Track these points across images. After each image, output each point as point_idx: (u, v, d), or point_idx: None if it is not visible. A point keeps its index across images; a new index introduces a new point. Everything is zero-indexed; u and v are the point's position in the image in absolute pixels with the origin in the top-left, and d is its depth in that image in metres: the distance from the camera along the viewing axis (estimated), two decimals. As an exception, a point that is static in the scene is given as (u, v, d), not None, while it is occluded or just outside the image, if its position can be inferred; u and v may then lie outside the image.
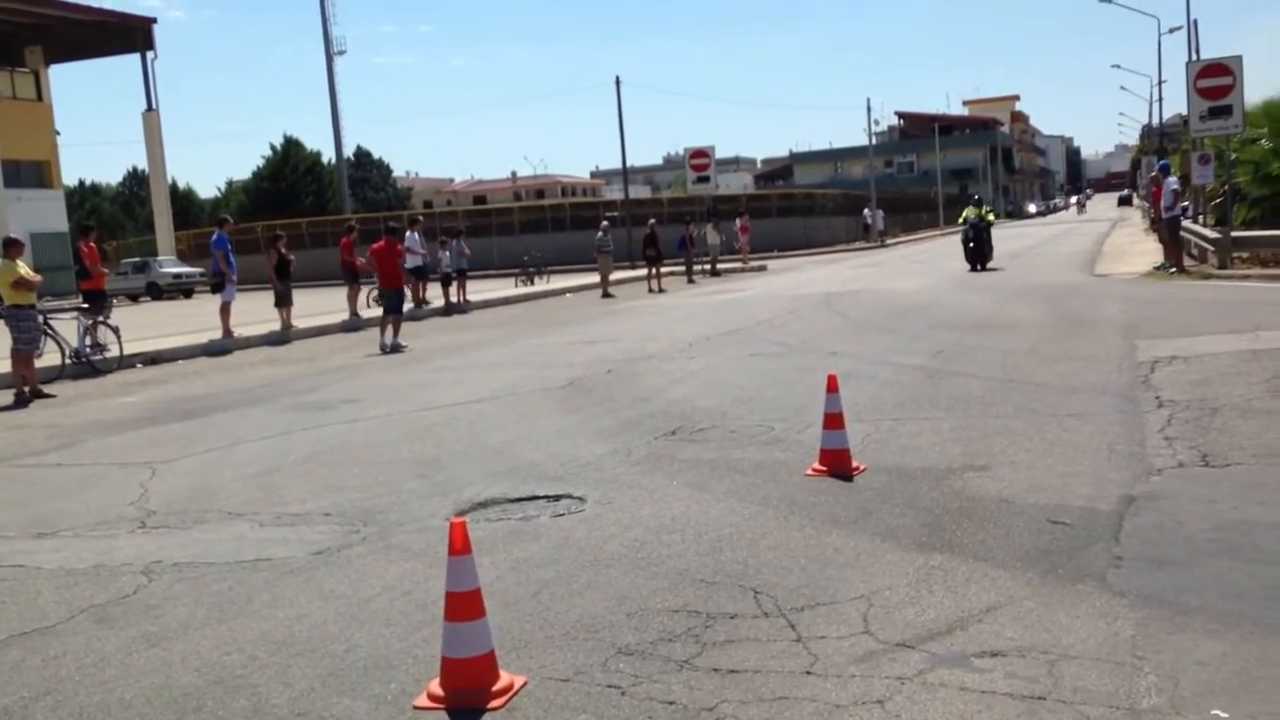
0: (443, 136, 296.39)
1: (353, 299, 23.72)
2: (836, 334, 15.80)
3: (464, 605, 4.13)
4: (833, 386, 7.49)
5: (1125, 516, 6.00)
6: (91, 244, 19.13)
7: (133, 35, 50.85)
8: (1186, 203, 27.56)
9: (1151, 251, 28.66)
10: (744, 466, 7.76)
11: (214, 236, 20.65)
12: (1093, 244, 39.40)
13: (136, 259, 48.36)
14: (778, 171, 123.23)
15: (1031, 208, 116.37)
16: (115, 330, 17.53)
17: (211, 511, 7.34)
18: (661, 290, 30.06)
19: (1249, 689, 3.86)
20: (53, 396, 14.36)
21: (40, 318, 15.33)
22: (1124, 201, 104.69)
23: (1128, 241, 38.50)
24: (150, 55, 51.31)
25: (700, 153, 41.95)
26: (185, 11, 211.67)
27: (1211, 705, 3.74)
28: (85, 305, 18.11)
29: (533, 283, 35.23)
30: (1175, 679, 3.96)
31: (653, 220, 34.12)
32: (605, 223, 33.17)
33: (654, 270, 30.96)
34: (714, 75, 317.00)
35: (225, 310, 20.03)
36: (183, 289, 45.22)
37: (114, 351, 17.28)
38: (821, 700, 3.97)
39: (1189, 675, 3.99)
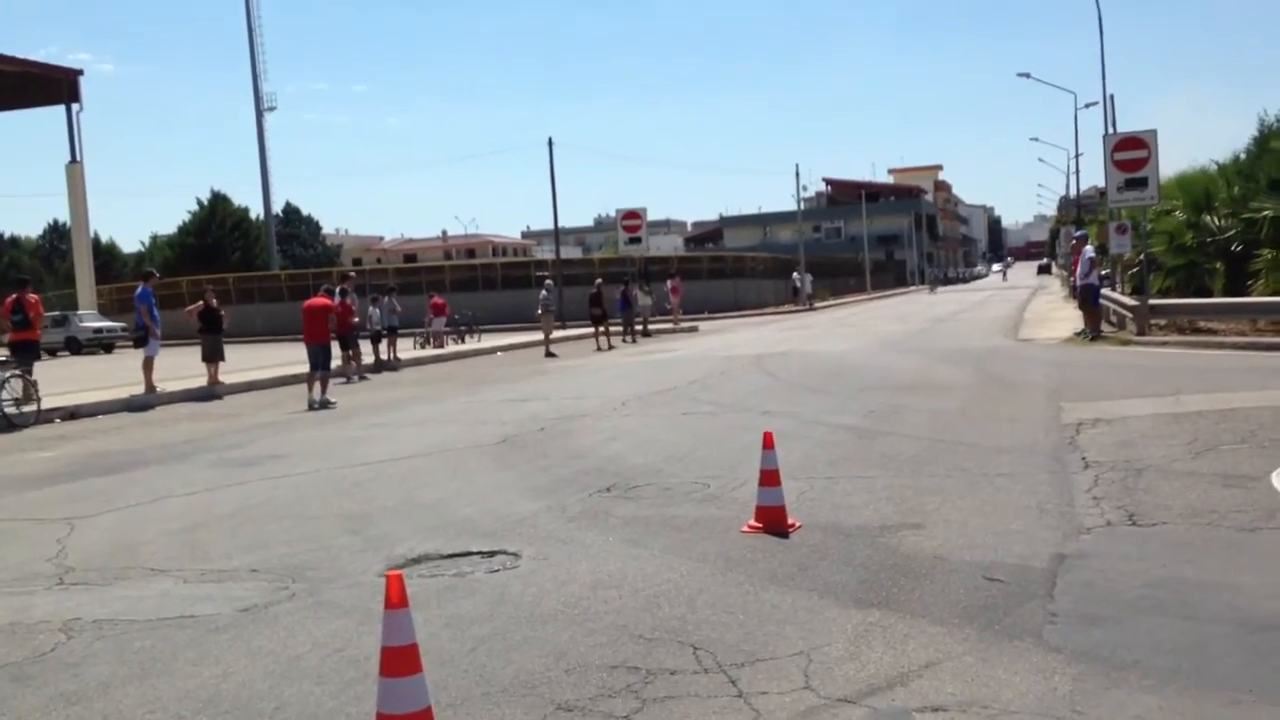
0: (373, 194, 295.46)
1: (356, 357, 23.52)
2: (768, 394, 15.89)
3: (401, 660, 4.03)
4: (768, 443, 7.51)
5: (1058, 574, 6.07)
6: (35, 296, 19.09)
7: (57, 87, 50.04)
8: (1105, 270, 28.38)
9: (1071, 318, 29.35)
10: (680, 523, 7.72)
11: (138, 290, 20.27)
12: (1015, 310, 40.30)
13: (56, 313, 47.25)
14: (708, 234, 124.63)
15: (995, 266, 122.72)
16: (33, 384, 17.08)
17: (133, 568, 7.12)
18: (611, 347, 30.52)
19: (1186, 742, 3.89)
20: (-35, 451, 13.89)
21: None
22: (1043, 270, 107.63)
23: (1048, 308, 39.44)
24: (75, 107, 50.48)
25: (632, 214, 42.33)
26: (115, 65, 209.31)
27: (1150, 758, 3.77)
28: (3, 359, 17.70)
29: (463, 340, 35.11)
30: (1114, 733, 3.98)
31: (599, 280, 34.31)
32: (549, 281, 33.36)
33: (601, 329, 31.33)
34: (646, 138, 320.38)
35: (148, 365, 19.61)
36: (104, 344, 44.16)
37: (31, 406, 16.80)
38: (764, 756, 3.93)
39: (1127, 729, 4.01)
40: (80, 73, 51.06)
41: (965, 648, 4.97)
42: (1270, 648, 4.80)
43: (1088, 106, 63.58)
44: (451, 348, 32.88)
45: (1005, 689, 4.45)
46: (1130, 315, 23.60)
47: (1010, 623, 5.29)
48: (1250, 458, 8.99)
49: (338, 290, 23.32)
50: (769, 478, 7.46)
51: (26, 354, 18.30)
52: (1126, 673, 4.56)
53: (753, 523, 7.44)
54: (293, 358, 24.09)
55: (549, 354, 28.28)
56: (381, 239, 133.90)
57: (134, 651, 5.36)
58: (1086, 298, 23.93)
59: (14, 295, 18.60)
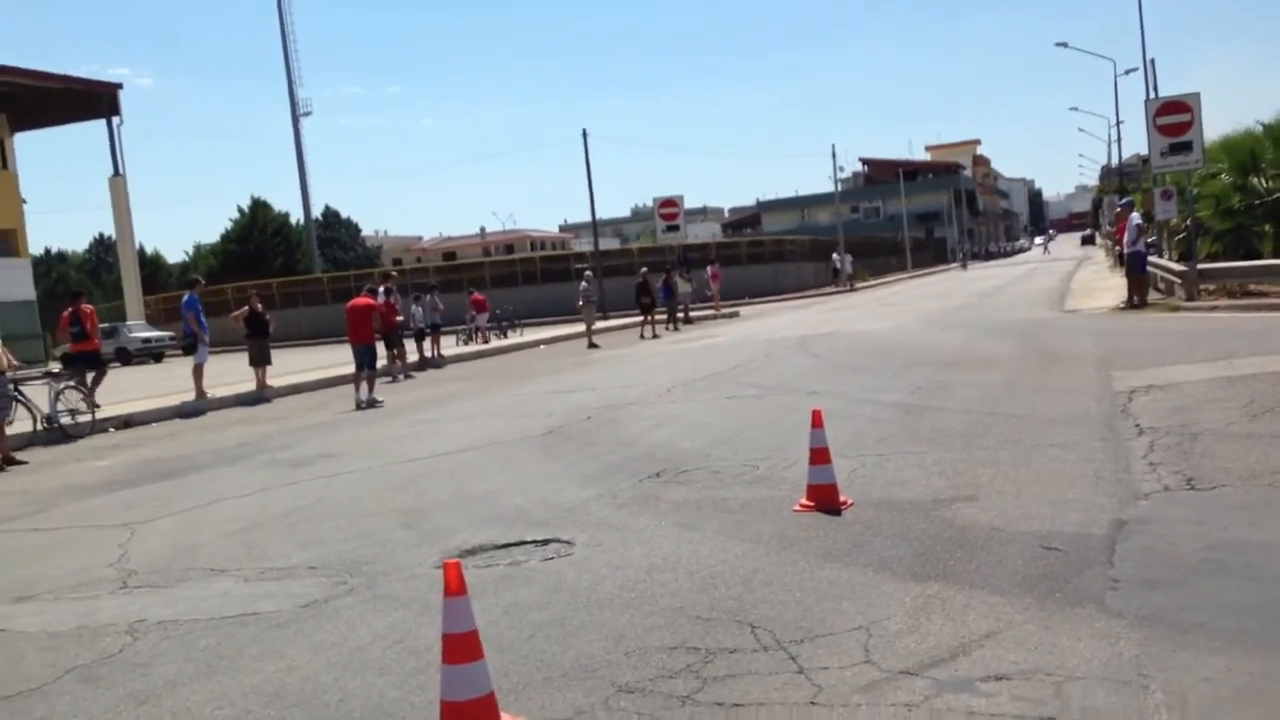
0: (411, 195, 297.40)
1: (401, 356, 23.73)
2: (813, 375, 15.83)
3: (462, 647, 4.06)
4: (817, 422, 7.48)
5: (1117, 540, 6.00)
6: (90, 307, 19.75)
7: (98, 101, 50.79)
8: (1152, 238, 27.96)
9: (1117, 287, 28.94)
10: (731, 505, 7.72)
11: (185, 298, 20.53)
12: (1059, 282, 39.83)
13: (105, 324, 47.93)
14: (745, 220, 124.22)
15: (1037, 239, 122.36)
16: (88, 394, 17.37)
17: (194, 569, 7.22)
18: (656, 335, 30.53)
19: (1257, 703, 3.84)
20: (24, 463, 14.15)
21: (11, 385, 15.14)
22: (1087, 241, 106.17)
23: (1093, 279, 38.92)
24: (116, 121, 51.27)
25: (669, 201, 42.30)
26: (153, 79, 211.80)
27: None
28: (57, 370, 18.12)
29: (506, 335, 35.27)
30: (1183, 696, 3.93)
31: (644, 269, 34.32)
32: (589, 273, 33.42)
33: (649, 317, 31.54)
34: (680, 127, 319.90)
35: (198, 371, 19.87)
36: (153, 353, 44.78)
37: (86, 416, 17.08)
38: (828, 730, 3.92)
39: (1196, 692, 3.96)
40: (120, 86, 51.83)
41: (1026, 616, 4.92)
42: (1339, 606, 4.72)
43: (1128, 73, 62.72)
44: (494, 343, 33.02)
45: (1069, 655, 4.41)
46: (1178, 281, 23.26)
47: (1070, 590, 5.24)
48: (1309, 418, 8.84)
49: (381, 290, 23.47)
50: (819, 456, 7.43)
51: (88, 364, 19.03)
52: (1192, 635, 4.50)
53: (804, 501, 7.42)
54: (338, 359, 24.35)
55: (591, 345, 28.32)
56: (420, 239, 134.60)
57: (199, 650, 5.44)
58: (1134, 265, 23.60)
59: (70, 308, 19.12)
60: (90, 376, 18.55)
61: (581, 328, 30.52)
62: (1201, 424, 9.04)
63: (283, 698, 4.68)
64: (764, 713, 4.11)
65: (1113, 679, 4.14)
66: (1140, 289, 23.38)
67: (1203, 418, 9.32)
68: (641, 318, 32.06)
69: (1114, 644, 4.50)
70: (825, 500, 7.32)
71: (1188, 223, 25.12)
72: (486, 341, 33.61)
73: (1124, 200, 31.41)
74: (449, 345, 29.81)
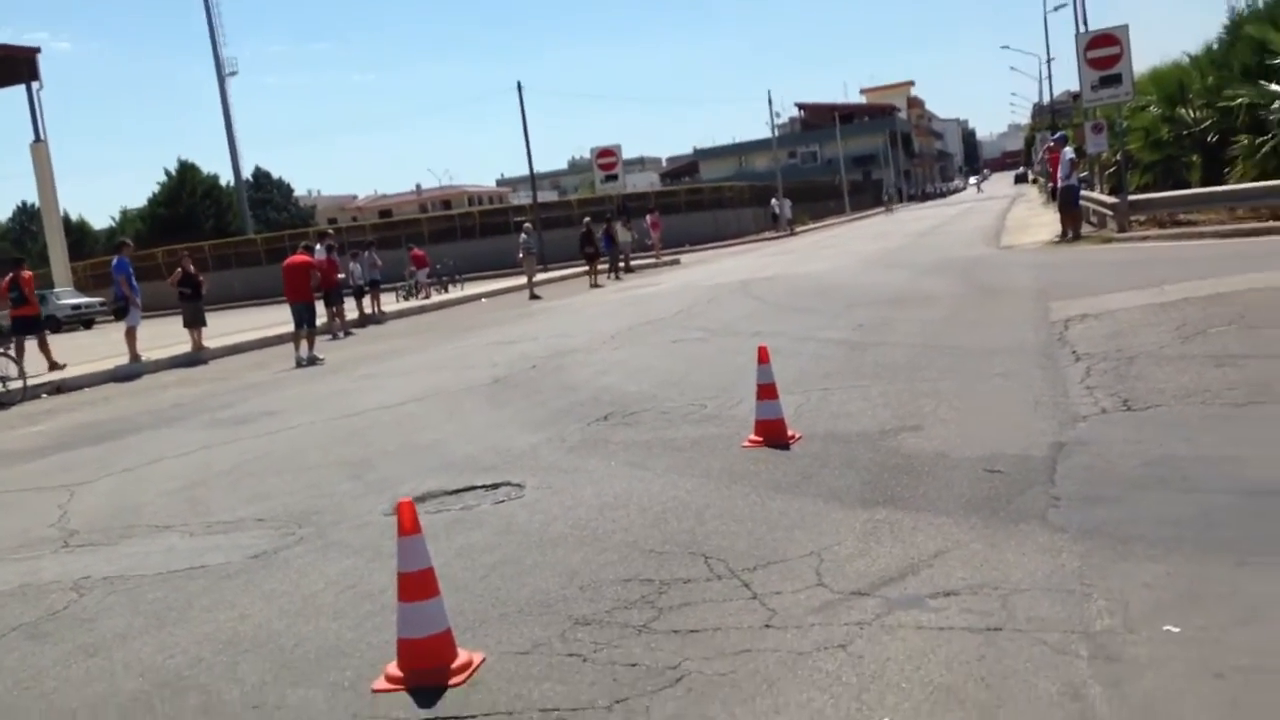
0: (344, 154, 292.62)
1: (340, 314, 23.43)
2: (756, 317, 15.89)
3: (418, 584, 4.06)
4: (763, 358, 7.52)
5: (1058, 461, 6.12)
6: (30, 273, 20.02)
7: (16, 67, 49.13)
8: (1084, 172, 28.32)
9: (1051, 223, 29.27)
10: (680, 444, 7.75)
11: (114, 261, 20.05)
12: (994, 220, 40.21)
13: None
14: (683, 168, 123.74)
15: (971, 180, 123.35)
16: (17, 361, 17.00)
17: (137, 527, 7.13)
18: (599, 284, 30.62)
19: (1196, 605, 3.95)
20: (-44, 432, 13.83)
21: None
22: (1020, 179, 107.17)
23: (1027, 215, 39.35)
24: (36, 86, 49.64)
25: (607, 151, 42.01)
26: (72, 43, 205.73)
27: (1163, 622, 3.82)
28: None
29: (446, 290, 34.99)
30: (1125, 602, 4.04)
31: (587, 219, 34.14)
32: (528, 224, 33.19)
33: (594, 266, 31.66)
34: (615, 78, 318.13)
35: (131, 335, 19.49)
36: (83, 320, 43.80)
37: (18, 383, 16.72)
38: (784, 650, 3.97)
39: (1137, 597, 4.07)
40: (38, 50, 50.20)
41: (972, 536, 5.01)
42: (1274, 511, 4.85)
43: (1057, 9, 63.10)
44: (435, 298, 32.74)
45: (1014, 570, 4.50)
46: (1110, 214, 23.60)
47: (1014, 509, 5.34)
48: (1239, 338, 9.04)
49: (323, 247, 23.15)
50: (766, 391, 7.47)
51: (29, 329, 19.26)
52: (1132, 545, 4.61)
53: (753, 437, 7.47)
54: (275, 319, 24.03)
55: (534, 296, 28.17)
56: (355, 198, 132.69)
57: (148, 603, 5.38)
58: (1067, 200, 23.88)
59: (10, 274, 19.13)
60: (28, 342, 18.59)
61: (523, 280, 30.36)
62: (1136, 348, 9.21)
63: (236, 644, 4.65)
64: (720, 637, 4.16)
65: (1057, 589, 4.24)
66: (1074, 223, 23.68)
67: (1137, 342, 9.50)
68: (587, 267, 32.00)
69: (1056, 557, 4.60)
70: (773, 435, 7.37)
71: (1118, 156, 25.46)
72: (427, 297, 33.30)
73: (1056, 135, 31.74)
74: (389, 302, 29.50)
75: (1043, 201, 46.56)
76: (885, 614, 4.20)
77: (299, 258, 19.15)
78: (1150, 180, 26.22)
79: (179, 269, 21.04)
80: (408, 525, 4.08)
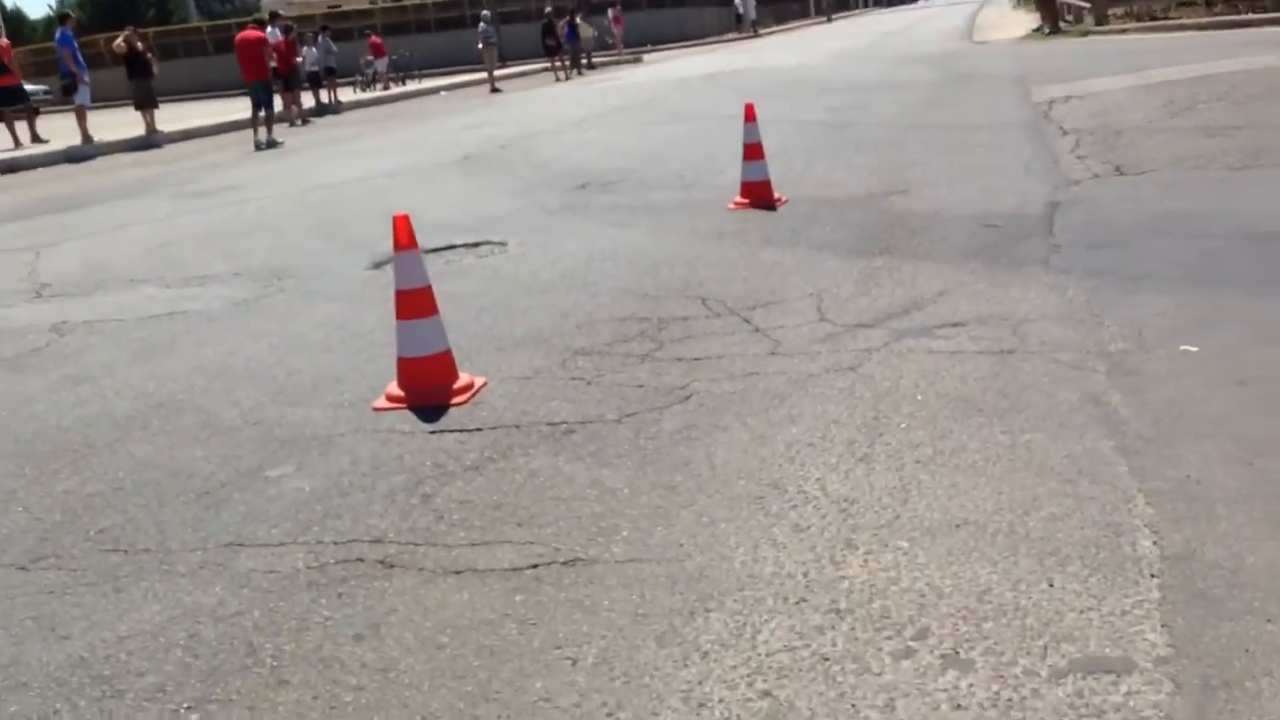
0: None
1: (297, 101, 22.52)
2: (728, 103, 15.42)
3: (416, 302, 3.95)
4: (750, 116, 7.33)
5: (1054, 216, 6.05)
6: (6, 41, 19.75)
7: None
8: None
9: (1024, 21, 28.70)
10: (663, 208, 7.59)
11: (58, 34, 19.09)
12: (964, 21, 39.26)
13: (-31, 82, 44.85)
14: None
15: None
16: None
17: (110, 280, 6.92)
18: (567, 78, 29.54)
19: (1211, 328, 3.93)
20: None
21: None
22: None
23: (998, 17, 38.43)
24: None
25: (568, -61, 40.12)
26: None
27: (1178, 343, 3.80)
28: None
29: (404, 83, 33.89)
30: (1138, 328, 4.01)
31: (549, 10, 32.82)
32: (486, 13, 31.89)
33: (557, 60, 30.49)
34: None
35: (81, 114, 18.69)
36: (29, 108, 42.20)
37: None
38: (792, 373, 3.93)
39: (1150, 324, 4.04)
40: None
41: (975, 277, 4.96)
42: (1278, 253, 4.82)
43: None
44: (394, 90, 31.70)
45: (1021, 304, 4.46)
46: (1087, 8, 23.05)
47: (1015, 256, 5.28)
48: (1229, 112, 8.93)
49: (279, 28, 22.10)
50: (753, 151, 7.30)
51: (12, 99, 19.03)
52: (1139, 282, 4.58)
53: (738, 199, 7.33)
54: (229, 108, 23.20)
55: (494, 89, 27.31)
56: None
57: (131, 341, 5.24)
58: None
59: None
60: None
61: (482, 74, 29.35)
62: (1123, 123, 9.07)
63: (228, 374, 4.54)
64: (725, 363, 4.10)
65: (1068, 319, 4.21)
66: (1051, 16, 23.17)
67: (1124, 118, 9.35)
68: (548, 62, 30.97)
69: (1064, 293, 4.56)
70: (760, 196, 7.24)
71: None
72: (386, 88, 32.25)
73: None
74: (345, 94, 28.50)
75: (1011, 5, 45.45)
76: (893, 341, 4.16)
77: (252, 32, 18.21)
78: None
79: (123, 41, 19.89)
80: (404, 240, 3.95)
